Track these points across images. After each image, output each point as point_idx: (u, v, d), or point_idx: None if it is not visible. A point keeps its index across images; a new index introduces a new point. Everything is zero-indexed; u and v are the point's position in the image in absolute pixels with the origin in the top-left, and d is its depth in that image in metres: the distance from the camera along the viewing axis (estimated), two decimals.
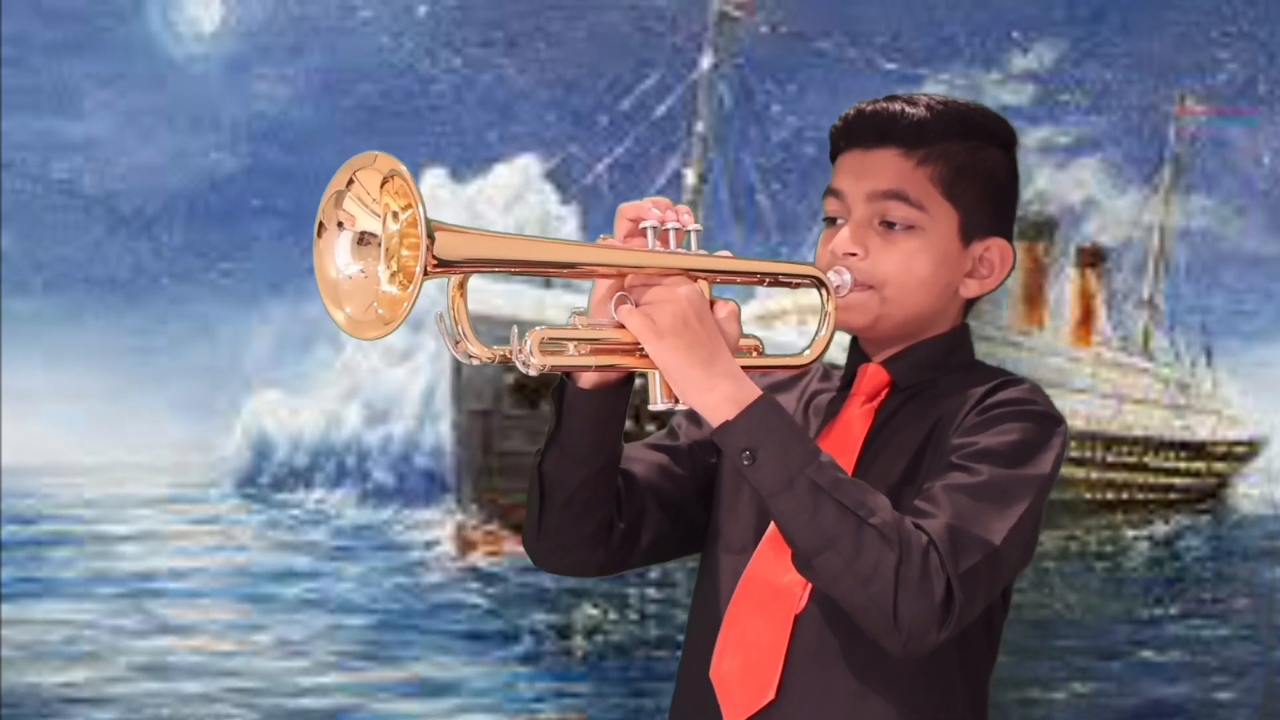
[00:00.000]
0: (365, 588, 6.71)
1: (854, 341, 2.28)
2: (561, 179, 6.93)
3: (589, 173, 6.92)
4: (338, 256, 1.95)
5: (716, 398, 2.02)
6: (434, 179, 6.78)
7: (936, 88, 6.25)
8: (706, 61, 7.05)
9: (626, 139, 6.95)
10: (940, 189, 2.20)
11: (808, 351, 2.19)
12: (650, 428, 2.36)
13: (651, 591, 6.85)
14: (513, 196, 6.95)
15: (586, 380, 2.12)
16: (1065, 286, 7.55)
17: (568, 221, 7.01)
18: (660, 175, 7.06)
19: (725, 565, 2.23)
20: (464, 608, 6.74)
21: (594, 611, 6.74)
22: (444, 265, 1.90)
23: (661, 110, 6.99)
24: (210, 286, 6.71)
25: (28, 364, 6.48)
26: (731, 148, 7.16)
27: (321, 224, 1.97)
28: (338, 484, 7.14)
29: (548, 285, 7.32)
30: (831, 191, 2.25)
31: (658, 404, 2.06)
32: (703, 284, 2.09)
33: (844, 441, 2.20)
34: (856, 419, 2.23)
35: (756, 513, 2.22)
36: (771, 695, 2.14)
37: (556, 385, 2.16)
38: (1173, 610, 6.87)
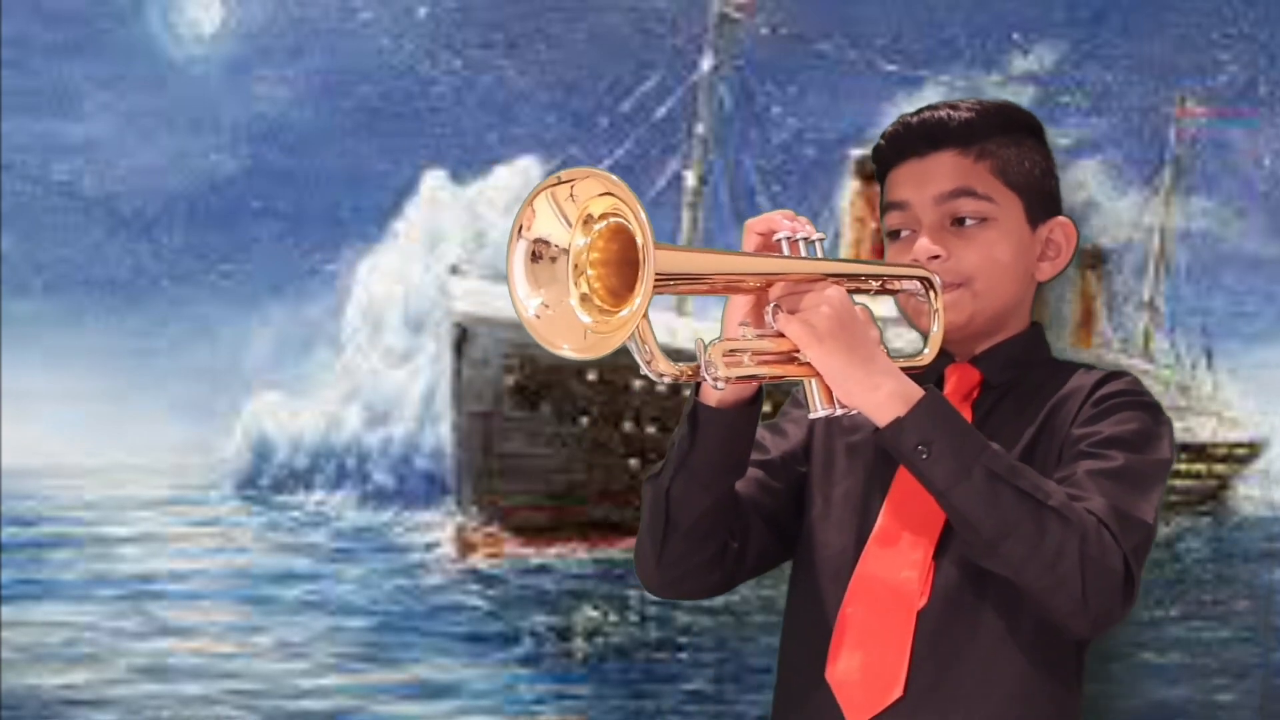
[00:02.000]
0: (365, 589, 6.70)
1: None
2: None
3: None
4: (518, 286, 1.92)
5: (883, 395, 2.05)
6: (434, 181, 6.78)
7: (937, 89, 6.26)
8: (707, 63, 7.05)
9: (627, 141, 6.95)
10: (1001, 179, 2.26)
11: (926, 351, 2.21)
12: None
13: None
14: (513, 198, 6.95)
15: (715, 398, 2.13)
16: (1065, 288, 7.54)
17: None
18: (660, 177, 7.06)
19: (824, 568, 2.25)
20: (464, 609, 6.74)
21: (594, 613, 6.74)
22: (660, 281, 1.89)
23: (662, 112, 6.99)
24: (210, 288, 6.71)
25: (27, 365, 6.48)
26: (732, 149, 7.16)
27: (519, 228, 1.93)
28: (338, 486, 7.13)
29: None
30: (893, 205, 2.28)
31: (818, 410, 2.08)
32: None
33: None
34: None
35: (855, 516, 2.24)
36: (899, 693, 2.16)
37: (690, 409, 2.18)
38: (1173, 612, 6.87)
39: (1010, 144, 2.26)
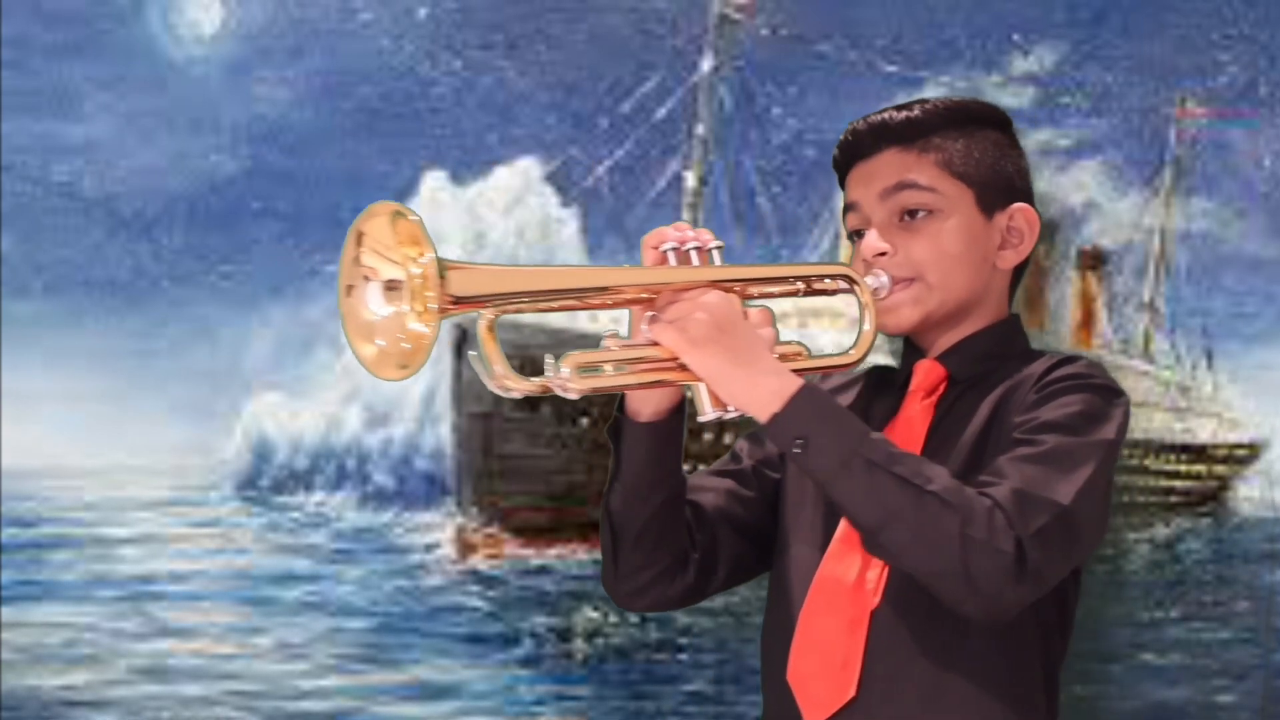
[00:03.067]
0: (365, 590, 6.70)
1: (906, 342, 2.29)
2: (562, 181, 6.92)
3: (589, 175, 6.92)
4: (370, 303, 1.97)
5: (761, 394, 2.04)
6: (434, 182, 6.78)
7: (937, 90, 6.26)
8: (707, 64, 7.05)
9: (627, 141, 6.95)
10: (947, 170, 2.23)
11: (853, 350, 2.20)
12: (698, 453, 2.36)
13: None
14: (513, 199, 6.95)
15: (641, 413, 2.14)
16: (1066, 289, 7.54)
17: (568, 224, 7.01)
18: (660, 178, 7.06)
19: (796, 571, 2.25)
20: (464, 610, 6.74)
21: (594, 614, 6.74)
22: (461, 302, 1.91)
23: (662, 113, 6.99)
24: (210, 289, 6.71)
25: (28, 366, 6.48)
26: (732, 150, 7.16)
27: (350, 286, 1.98)
28: (338, 487, 7.14)
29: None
30: (848, 208, 2.28)
31: (707, 414, 2.08)
32: (734, 296, 2.11)
33: (906, 438, 2.21)
34: (917, 415, 2.24)
35: (824, 516, 2.23)
36: (852, 693, 2.15)
37: (612, 423, 2.19)
38: (1173, 613, 6.87)
39: (958, 136, 2.23)
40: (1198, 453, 7.65)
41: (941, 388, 2.24)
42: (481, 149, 6.76)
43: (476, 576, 6.86)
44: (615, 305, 2.09)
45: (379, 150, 6.70)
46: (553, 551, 6.90)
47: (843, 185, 2.32)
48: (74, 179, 6.60)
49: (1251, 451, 7.39)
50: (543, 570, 6.88)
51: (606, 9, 6.77)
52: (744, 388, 2.04)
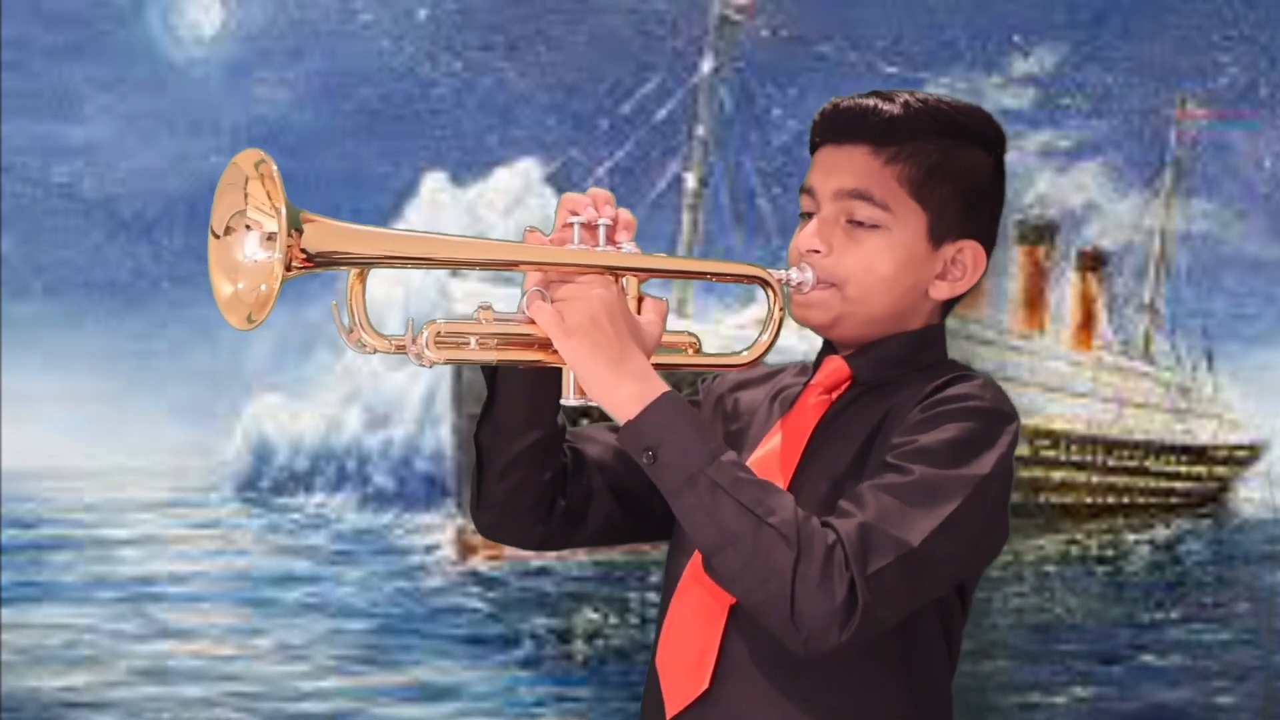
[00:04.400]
0: (365, 592, 6.70)
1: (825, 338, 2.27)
2: (562, 183, 6.92)
3: (589, 176, 6.91)
4: (247, 247, 1.97)
5: (621, 396, 2.04)
6: (434, 183, 6.78)
7: (937, 91, 6.26)
8: (707, 65, 7.05)
9: (627, 143, 6.95)
10: (908, 189, 2.19)
11: (746, 352, 2.19)
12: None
13: (652, 595, 6.84)
14: (513, 200, 6.95)
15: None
16: (1066, 290, 7.54)
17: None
18: (661, 179, 7.06)
19: (679, 559, 2.24)
20: (464, 612, 6.74)
21: (595, 616, 6.74)
22: (314, 260, 1.90)
23: (662, 114, 6.99)
24: (210, 290, 6.70)
25: (27, 368, 6.47)
26: (732, 151, 7.16)
27: (229, 228, 1.97)
28: (338, 488, 7.13)
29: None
30: (804, 188, 2.25)
31: (569, 399, 2.08)
32: (631, 280, 2.09)
33: (793, 431, 2.20)
34: (809, 410, 2.22)
35: None
36: (705, 685, 2.15)
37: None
38: (1173, 614, 6.87)
39: (934, 151, 2.16)
40: (1198, 454, 7.65)
41: (843, 387, 2.22)
42: (481, 150, 6.75)
43: (477, 578, 6.85)
44: (507, 269, 2.08)
45: (379, 151, 6.69)
46: (553, 553, 6.90)
47: (812, 154, 2.29)
48: (74, 180, 6.59)
49: (1252, 453, 7.38)
50: (543, 572, 6.87)
51: (607, 10, 6.77)
52: (606, 387, 2.03)
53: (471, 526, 7.63)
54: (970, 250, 2.20)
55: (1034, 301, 7.63)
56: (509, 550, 7.04)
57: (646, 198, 6.99)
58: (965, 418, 2.08)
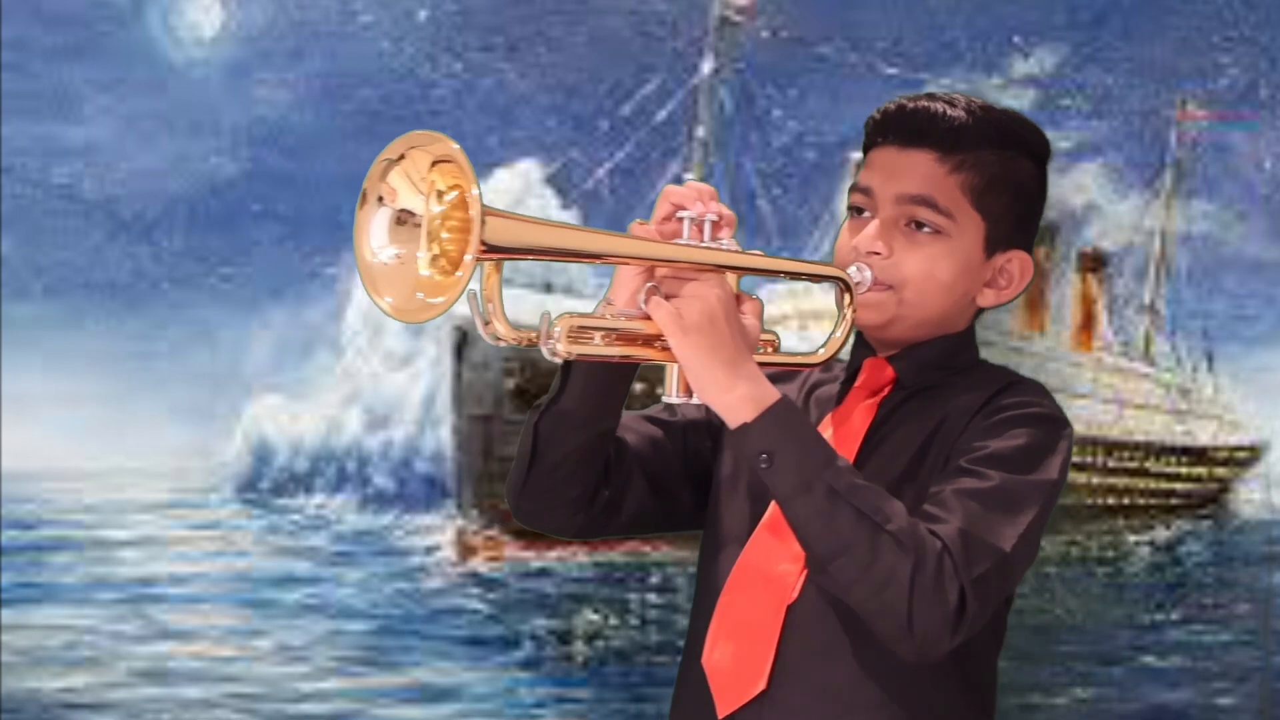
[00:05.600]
0: (365, 593, 6.70)
1: (858, 335, 2.28)
2: (562, 184, 6.92)
3: (589, 177, 6.91)
4: (373, 236, 1.94)
5: (735, 398, 2.03)
6: None
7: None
8: (707, 66, 7.05)
9: (627, 144, 6.95)
10: (970, 198, 2.20)
11: (821, 350, 2.19)
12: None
13: (652, 597, 6.84)
14: (513, 201, 6.95)
15: None
16: (1066, 291, 7.54)
17: None
18: (661, 180, 7.06)
19: (723, 555, 2.24)
20: (464, 613, 6.74)
21: (595, 617, 6.74)
22: (492, 251, 1.89)
23: (662, 115, 6.99)
24: (210, 291, 6.71)
25: (28, 369, 6.47)
26: (732, 153, 7.16)
27: (365, 193, 1.95)
28: (338, 489, 7.13)
29: (548, 290, 7.31)
30: (860, 187, 2.25)
31: (673, 396, 2.07)
32: (731, 278, 2.09)
33: (844, 435, 2.20)
34: (858, 413, 2.22)
35: (753, 502, 2.22)
36: (762, 685, 2.14)
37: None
38: (1174, 615, 6.87)
39: (996, 161, 2.18)
40: (1198, 455, 7.65)
41: (886, 390, 2.23)
42: (482, 151, 6.75)
43: (477, 579, 6.85)
44: (613, 263, 2.08)
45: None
46: (553, 554, 6.90)
47: (865, 150, 2.29)
48: (74, 181, 6.60)
49: (1252, 454, 7.38)
50: (543, 573, 6.87)
51: (607, 11, 6.77)
52: (721, 388, 2.02)
53: (473, 528, 7.57)
54: (1018, 261, 2.23)
55: (1035, 302, 7.64)
56: (509, 551, 7.04)
57: (647, 199, 6.99)
58: (1030, 424, 2.11)
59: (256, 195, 6.69)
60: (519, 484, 2.22)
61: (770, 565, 2.16)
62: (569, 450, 2.17)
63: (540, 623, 6.70)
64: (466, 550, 6.93)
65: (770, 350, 2.16)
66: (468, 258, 1.86)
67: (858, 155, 2.29)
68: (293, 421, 6.96)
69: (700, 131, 7.18)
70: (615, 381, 2.15)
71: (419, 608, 6.71)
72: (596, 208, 6.94)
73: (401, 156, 1.95)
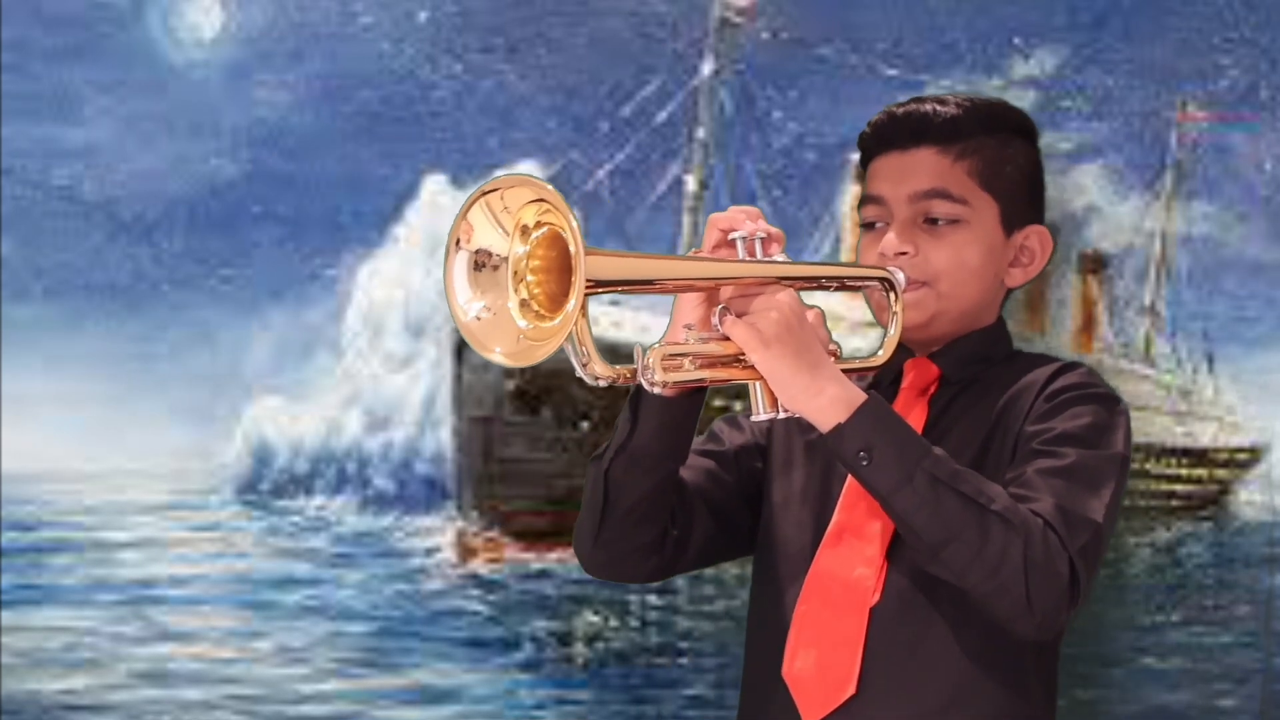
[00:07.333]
0: (366, 595, 6.70)
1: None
2: (562, 185, 6.90)
3: (590, 179, 6.91)
4: (458, 292, 1.94)
5: (825, 401, 2.05)
6: (435, 185, 6.77)
7: (936, 93, 6.24)
8: (707, 68, 7.04)
9: (627, 145, 6.95)
10: (979, 182, 2.25)
11: (880, 352, 2.22)
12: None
13: (653, 599, 6.84)
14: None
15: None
16: (1066, 293, 7.53)
17: None
18: (661, 181, 7.06)
19: (784, 568, 2.26)
20: (464, 615, 6.73)
21: (595, 619, 6.74)
22: (595, 286, 1.89)
23: (662, 116, 6.99)
24: (210, 293, 6.71)
25: (27, 370, 6.47)
26: (732, 154, 7.16)
27: (456, 241, 1.94)
28: (338, 491, 7.13)
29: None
30: (870, 199, 2.28)
31: (760, 414, 2.08)
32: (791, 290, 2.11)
33: None
34: (912, 413, 2.24)
35: (814, 511, 2.24)
36: (852, 690, 2.16)
37: (634, 391, 2.17)
38: (1174, 617, 6.86)
39: (994, 145, 2.24)
40: (1198, 456, 7.64)
41: (933, 388, 2.25)
42: (482, 153, 6.75)
43: (477, 580, 6.85)
44: (689, 291, 2.08)
45: (379, 154, 6.69)
46: (553, 555, 6.90)
47: (864, 166, 2.31)
48: (74, 183, 6.60)
49: (1252, 455, 7.38)
50: (543, 574, 6.87)
51: (607, 12, 6.77)
52: (809, 394, 2.04)
53: (473, 529, 7.56)
54: (1036, 235, 2.29)
55: (1034, 304, 7.63)
56: (509, 552, 7.04)
57: (647, 200, 6.99)
58: (1090, 402, 2.17)
59: (256, 197, 6.69)
60: (591, 536, 2.22)
61: (846, 571, 2.18)
62: (643, 493, 2.18)
63: (541, 624, 6.70)
64: (467, 552, 6.92)
65: (834, 359, 2.17)
66: (571, 303, 1.86)
67: (857, 157, 2.30)
68: (293, 423, 6.95)
69: (700, 133, 7.17)
70: (685, 415, 2.16)
71: (419, 609, 6.71)
72: (596, 209, 6.94)
73: (483, 195, 1.94)
